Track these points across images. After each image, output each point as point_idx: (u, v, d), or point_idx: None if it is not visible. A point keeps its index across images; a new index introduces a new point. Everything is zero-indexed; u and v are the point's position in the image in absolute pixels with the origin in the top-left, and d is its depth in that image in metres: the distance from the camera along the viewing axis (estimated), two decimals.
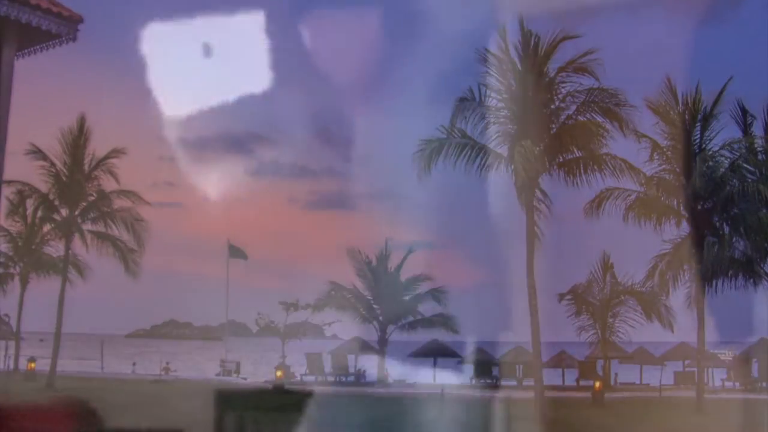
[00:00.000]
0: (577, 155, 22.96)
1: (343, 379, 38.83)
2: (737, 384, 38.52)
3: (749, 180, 25.58)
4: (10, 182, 29.95)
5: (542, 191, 22.59)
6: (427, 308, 40.32)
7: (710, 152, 26.36)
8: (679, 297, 27.99)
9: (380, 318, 40.20)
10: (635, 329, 36.84)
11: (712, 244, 26.47)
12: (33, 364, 34.33)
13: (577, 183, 23.07)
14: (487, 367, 40.37)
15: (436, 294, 40.19)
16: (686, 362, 39.63)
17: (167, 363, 44.84)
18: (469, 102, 22.85)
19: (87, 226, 32.14)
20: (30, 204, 35.46)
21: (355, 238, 42.16)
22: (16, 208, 35.49)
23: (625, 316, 36.89)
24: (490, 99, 22.91)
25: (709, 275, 26.01)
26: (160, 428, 15.91)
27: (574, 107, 22.69)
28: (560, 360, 39.68)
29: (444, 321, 39.84)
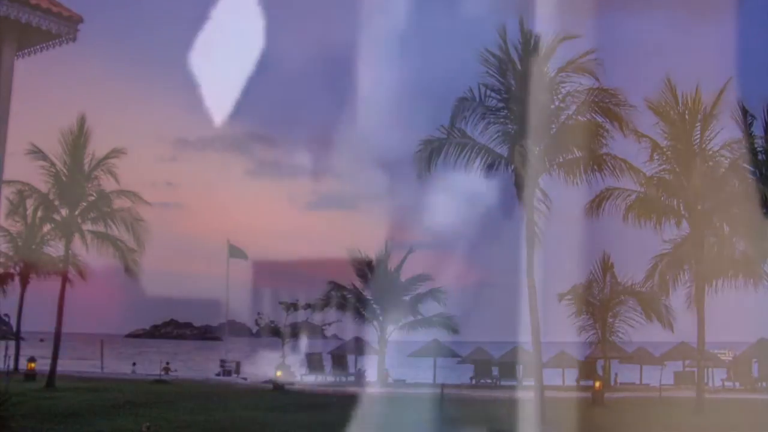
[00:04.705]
0: (577, 155, 22.95)
1: (343, 379, 38.86)
2: (737, 384, 38.55)
3: (749, 180, 25.57)
4: (10, 182, 29.98)
5: (542, 191, 22.59)
6: (427, 308, 40.36)
7: (710, 152, 26.36)
8: (679, 297, 28.01)
9: (380, 318, 40.22)
10: (635, 329, 36.88)
11: (712, 244, 26.48)
12: (33, 364, 34.34)
13: (577, 183, 23.06)
14: (487, 367, 40.43)
15: (436, 294, 40.21)
16: (686, 362, 39.66)
17: (167, 363, 44.90)
18: (469, 102, 22.85)
19: (87, 226, 32.15)
20: (30, 204, 35.50)
21: (355, 238, 42.13)
22: (16, 208, 35.51)
23: (625, 316, 36.93)
24: (490, 99, 22.91)
25: (709, 275, 26.03)
26: None
27: (574, 107, 22.67)
28: (560, 360, 39.73)
29: (444, 321, 39.86)
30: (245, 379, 38.70)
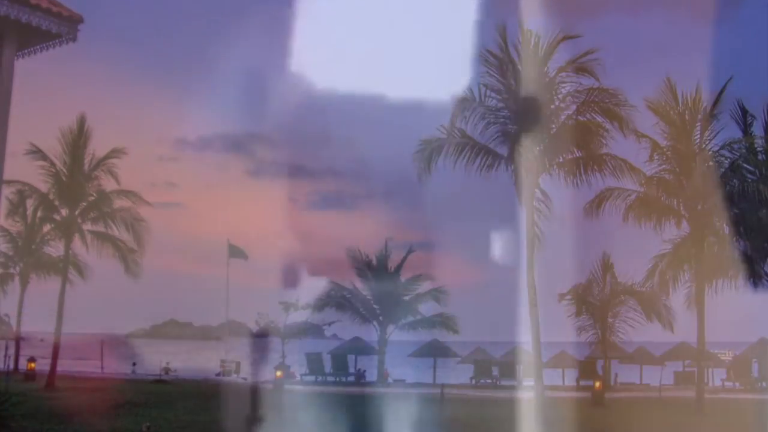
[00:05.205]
0: (577, 155, 22.94)
1: (343, 379, 38.86)
2: (737, 384, 38.57)
3: (749, 180, 25.57)
4: (10, 182, 29.98)
5: (542, 191, 22.58)
6: (427, 308, 40.36)
7: (710, 152, 26.35)
8: (679, 297, 28.01)
9: (380, 318, 40.21)
10: (635, 329, 36.89)
11: (712, 244, 26.48)
12: (33, 364, 34.34)
13: (577, 183, 23.06)
14: (487, 367, 40.44)
15: (436, 294, 40.21)
16: (686, 362, 39.68)
17: (167, 363, 44.84)
18: (469, 102, 22.83)
19: (87, 226, 32.14)
20: (30, 204, 35.52)
21: (355, 238, 42.09)
22: (16, 208, 35.53)
23: (625, 316, 36.94)
24: (490, 99, 22.89)
25: (709, 275, 26.02)
26: None
27: (574, 107, 22.67)
28: (560, 360, 39.74)
29: (444, 321, 39.86)
30: (245, 379, 38.70)
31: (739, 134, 26.14)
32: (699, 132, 26.37)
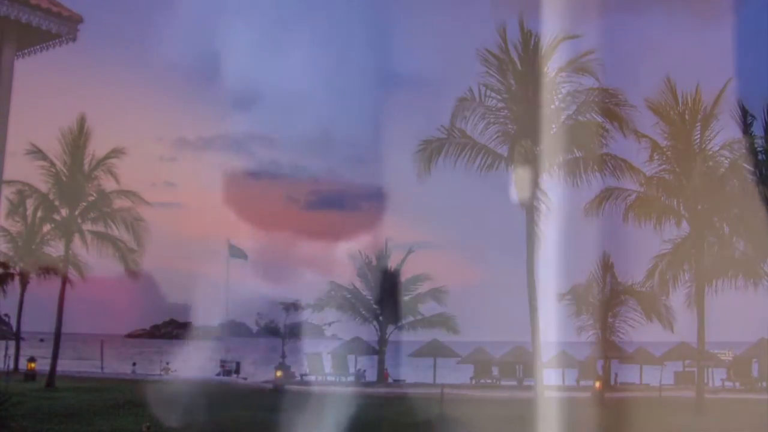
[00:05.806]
0: (577, 155, 22.95)
1: (343, 379, 38.85)
2: (737, 384, 38.55)
3: (749, 180, 25.56)
4: (10, 182, 30.00)
5: (542, 191, 22.58)
6: (427, 308, 40.35)
7: (710, 152, 26.35)
8: (679, 297, 28.02)
9: (380, 318, 40.20)
10: (635, 329, 36.84)
11: (712, 244, 26.48)
12: (33, 364, 34.35)
13: (577, 183, 23.06)
14: (487, 367, 40.44)
15: (436, 294, 40.20)
16: (686, 362, 39.65)
17: (167, 363, 44.87)
18: (469, 102, 22.83)
19: (87, 226, 32.15)
20: (30, 204, 35.52)
21: (355, 238, 42.07)
22: (16, 208, 35.53)
23: (625, 316, 36.88)
24: (490, 99, 22.89)
25: (709, 275, 26.03)
26: None
27: (574, 107, 22.67)
28: (560, 360, 39.69)
29: (444, 321, 39.85)
30: (245, 379, 38.70)
31: (739, 134, 26.12)
32: (699, 132, 26.38)
